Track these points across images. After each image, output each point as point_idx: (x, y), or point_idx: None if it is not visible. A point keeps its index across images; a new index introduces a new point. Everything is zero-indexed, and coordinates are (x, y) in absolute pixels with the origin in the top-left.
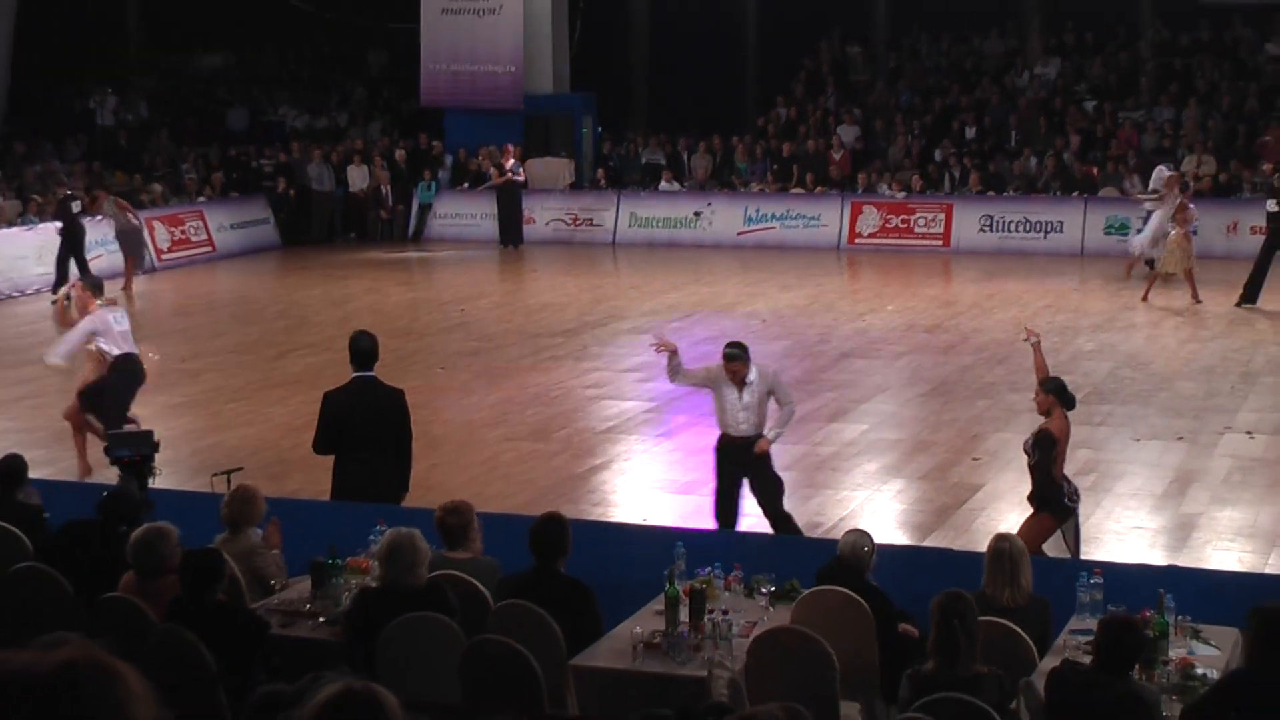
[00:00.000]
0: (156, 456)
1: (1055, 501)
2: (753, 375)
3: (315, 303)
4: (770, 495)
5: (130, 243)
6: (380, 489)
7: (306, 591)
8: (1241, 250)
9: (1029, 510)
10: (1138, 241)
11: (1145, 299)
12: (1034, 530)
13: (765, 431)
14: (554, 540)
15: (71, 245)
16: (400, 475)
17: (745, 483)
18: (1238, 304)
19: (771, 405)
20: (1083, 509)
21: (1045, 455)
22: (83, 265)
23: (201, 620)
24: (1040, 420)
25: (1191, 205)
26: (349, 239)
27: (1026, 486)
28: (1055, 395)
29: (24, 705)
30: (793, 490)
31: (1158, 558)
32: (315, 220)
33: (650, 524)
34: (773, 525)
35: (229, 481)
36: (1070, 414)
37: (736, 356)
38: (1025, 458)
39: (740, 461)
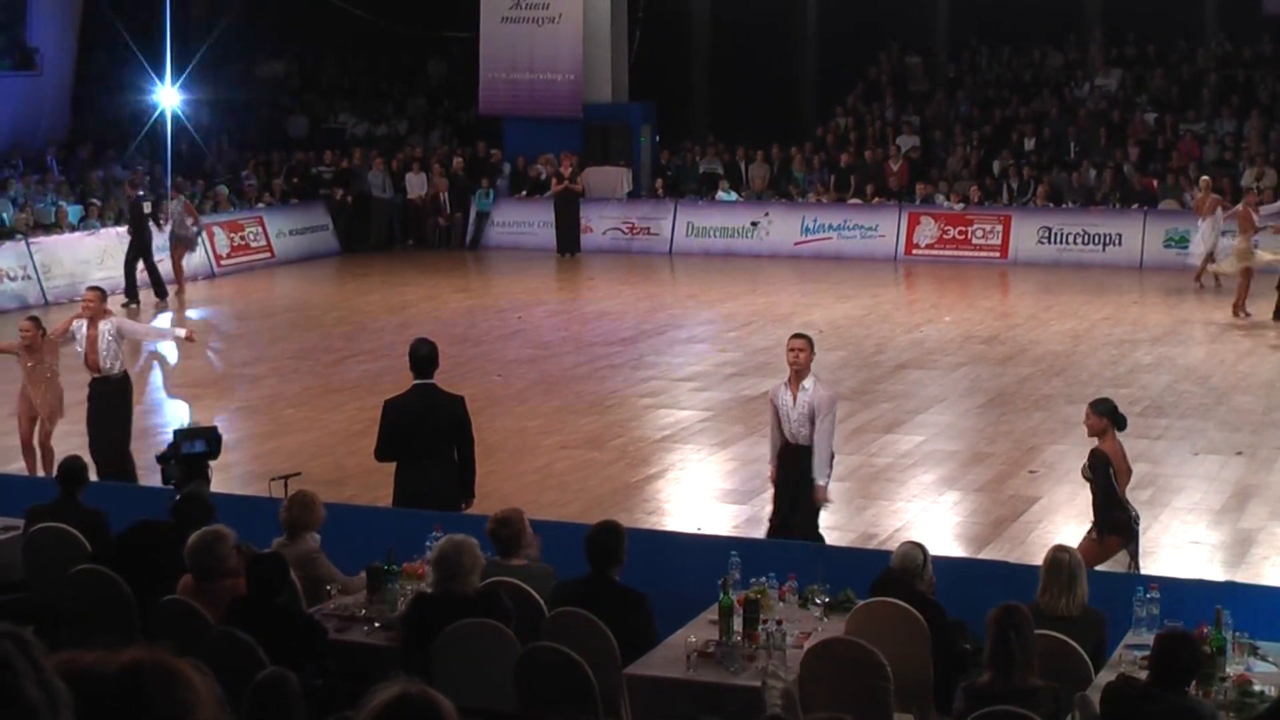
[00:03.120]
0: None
1: (1121, 524)
2: (810, 381)
3: (373, 309)
4: (806, 516)
5: (187, 246)
6: (441, 496)
7: (363, 597)
8: None
9: (1086, 523)
10: (1195, 252)
11: (1237, 309)
12: (1096, 553)
13: (815, 477)
14: (609, 548)
15: (140, 248)
16: (463, 482)
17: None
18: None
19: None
20: (1142, 522)
21: (1102, 476)
22: (151, 269)
23: (260, 623)
24: (1091, 443)
25: (1256, 212)
26: (407, 246)
27: (1084, 499)
28: (1108, 417)
29: (91, 706)
30: (847, 501)
31: (1216, 573)
32: (374, 227)
33: (705, 533)
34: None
35: (286, 486)
36: (1129, 427)
37: (802, 336)
38: (1087, 484)
39: (796, 471)
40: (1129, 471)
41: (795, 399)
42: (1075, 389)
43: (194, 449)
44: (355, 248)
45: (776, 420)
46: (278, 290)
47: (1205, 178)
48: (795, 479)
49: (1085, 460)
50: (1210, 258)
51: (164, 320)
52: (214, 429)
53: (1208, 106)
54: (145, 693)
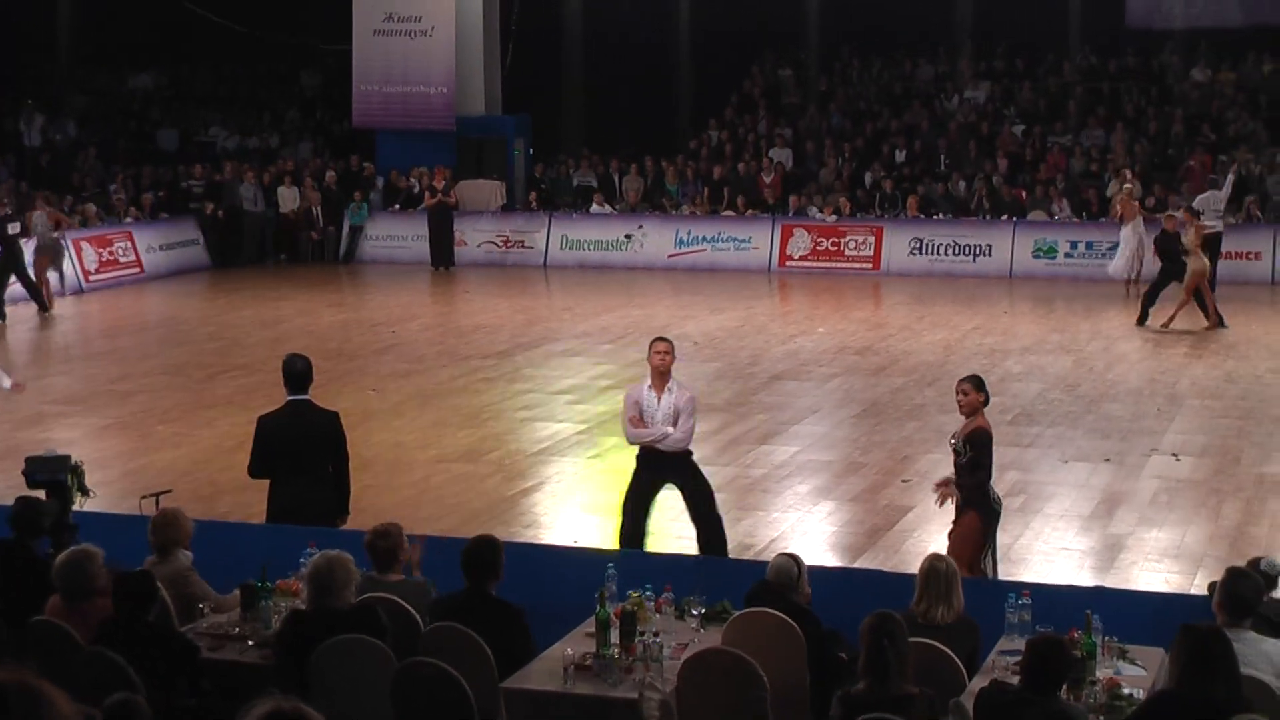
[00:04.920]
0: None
1: (982, 501)
2: (674, 384)
3: (246, 324)
4: (705, 499)
5: (52, 256)
6: (316, 512)
7: (237, 614)
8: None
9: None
10: (1114, 266)
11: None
12: (965, 533)
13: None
14: (486, 562)
15: (10, 263)
16: (339, 498)
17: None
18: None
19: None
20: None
21: (985, 454)
22: (27, 284)
23: (131, 643)
24: (963, 420)
25: (1197, 223)
26: (280, 260)
27: (953, 507)
28: (984, 392)
29: None
30: (724, 512)
31: (1085, 578)
32: (246, 241)
33: (581, 546)
34: (703, 535)
35: (157, 504)
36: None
37: (667, 340)
38: (953, 457)
39: (663, 470)
40: None
41: (660, 399)
42: (948, 399)
43: (36, 480)
44: (227, 263)
45: (636, 420)
46: (148, 306)
47: (1127, 184)
48: (653, 480)
49: (961, 433)
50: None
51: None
52: (66, 457)
53: (1074, 119)
54: (9, 713)
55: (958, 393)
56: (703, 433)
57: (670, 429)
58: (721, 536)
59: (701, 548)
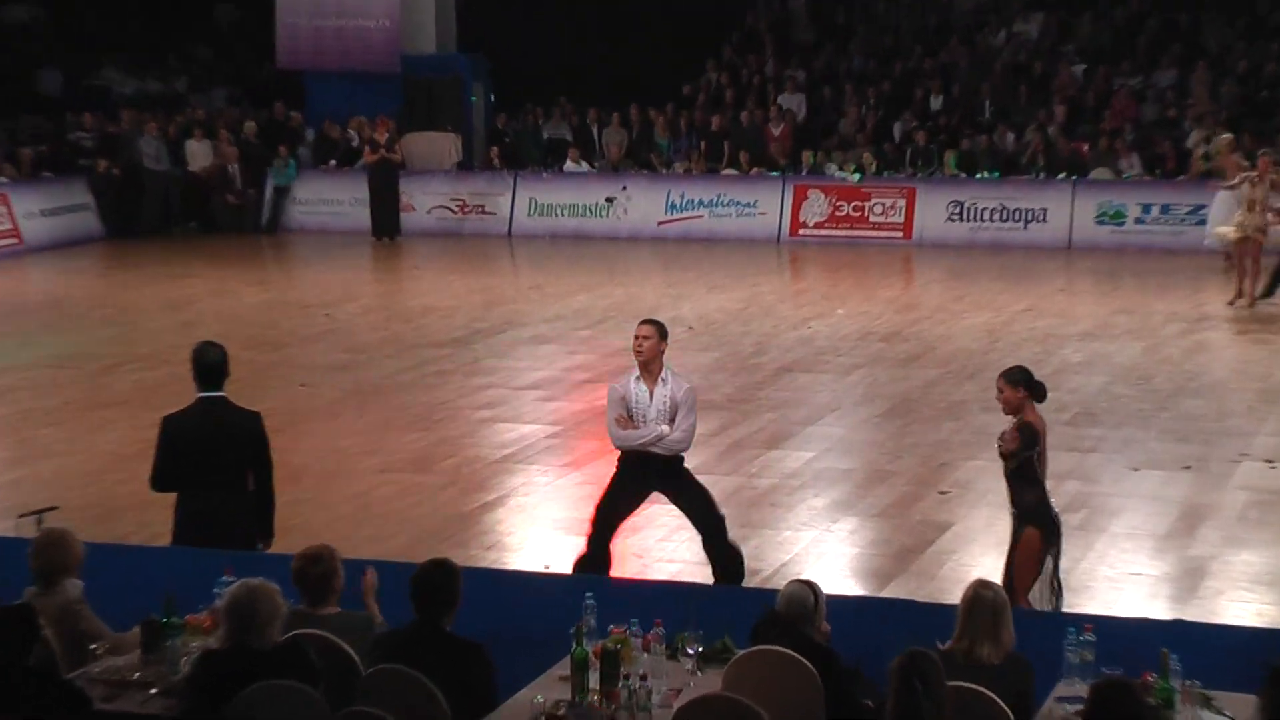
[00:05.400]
0: None
1: (1040, 513)
2: (667, 374)
3: (149, 306)
4: (705, 506)
5: None
6: (233, 532)
7: (137, 656)
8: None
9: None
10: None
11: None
12: (1024, 553)
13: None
14: (439, 590)
15: None
16: (260, 515)
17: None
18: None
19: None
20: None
21: (1028, 449)
22: None
23: (7, 693)
24: (1009, 422)
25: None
26: (189, 229)
27: (1004, 524)
28: (1025, 387)
29: None
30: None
31: (1160, 610)
32: (148, 206)
33: (554, 572)
34: (713, 549)
35: (40, 523)
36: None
37: (651, 322)
38: (1001, 464)
39: (649, 477)
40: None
41: (652, 393)
42: (992, 394)
43: None
44: (125, 231)
45: (623, 420)
46: (28, 284)
47: (1226, 135)
48: (638, 489)
49: (1008, 431)
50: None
51: None
52: None
53: (1145, 56)
54: None
55: (997, 390)
56: (699, 435)
57: (665, 428)
58: (735, 554)
59: (717, 571)
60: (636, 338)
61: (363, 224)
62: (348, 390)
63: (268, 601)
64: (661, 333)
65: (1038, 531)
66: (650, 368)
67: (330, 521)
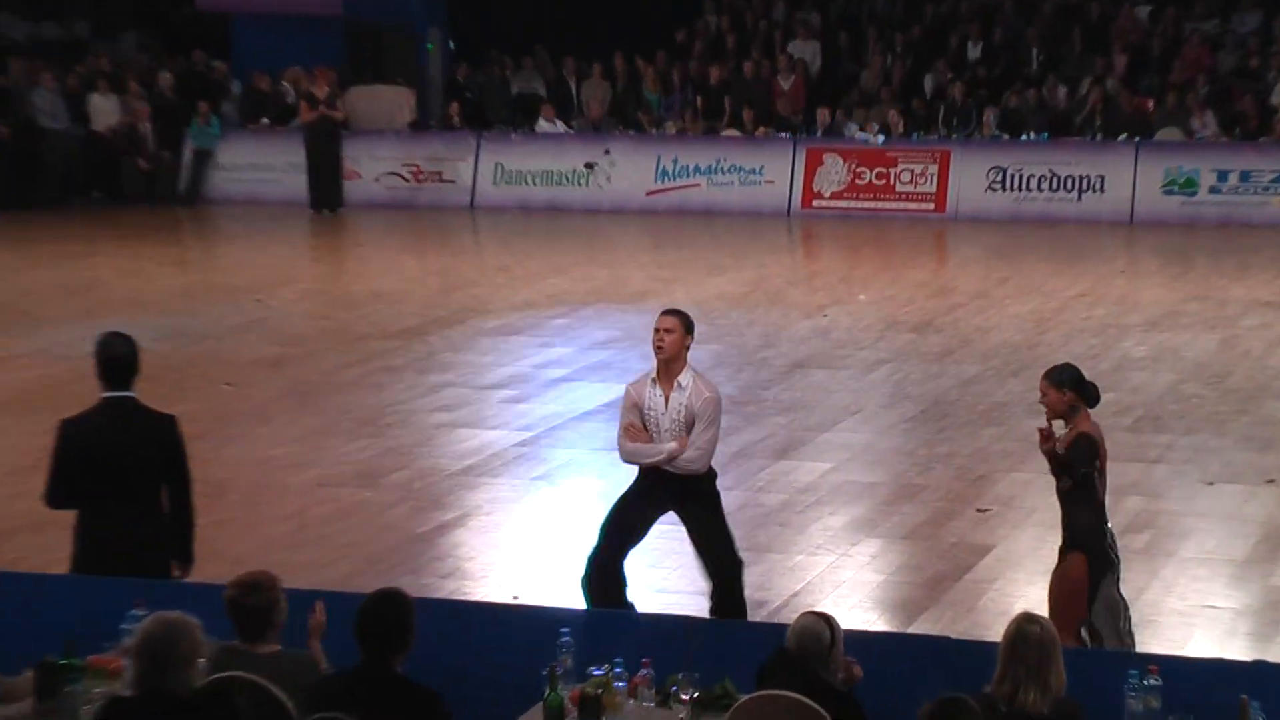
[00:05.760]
0: None
1: (1092, 538)
2: (688, 376)
3: (44, 290)
4: (720, 544)
5: None
6: (144, 556)
7: (30, 705)
8: None
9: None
10: None
11: None
12: (1066, 583)
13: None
14: (389, 627)
15: None
16: (177, 536)
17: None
18: None
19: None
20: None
21: (1086, 464)
22: None
23: None
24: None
25: None
26: (92, 199)
27: (1051, 547)
28: (1073, 389)
29: None
30: None
31: (1239, 649)
32: (44, 172)
33: (524, 603)
34: (719, 601)
35: None
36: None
37: (674, 313)
38: (1054, 482)
39: (663, 494)
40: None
41: (668, 400)
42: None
43: None
44: (17, 202)
45: (633, 430)
46: None
47: None
48: (651, 503)
49: (1061, 442)
50: None
51: None
52: None
53: None
54: None
55: (1040, 393)
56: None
57: (674, 445)
58: (738, 595)
59: (713, 606)
60: (657, 331)
61: (299, 194)
62: (281, 390)
63: (186, 639)
64: (687, 325)
65: (1083, 557)
66: (671, 368)
67: (260, 545)
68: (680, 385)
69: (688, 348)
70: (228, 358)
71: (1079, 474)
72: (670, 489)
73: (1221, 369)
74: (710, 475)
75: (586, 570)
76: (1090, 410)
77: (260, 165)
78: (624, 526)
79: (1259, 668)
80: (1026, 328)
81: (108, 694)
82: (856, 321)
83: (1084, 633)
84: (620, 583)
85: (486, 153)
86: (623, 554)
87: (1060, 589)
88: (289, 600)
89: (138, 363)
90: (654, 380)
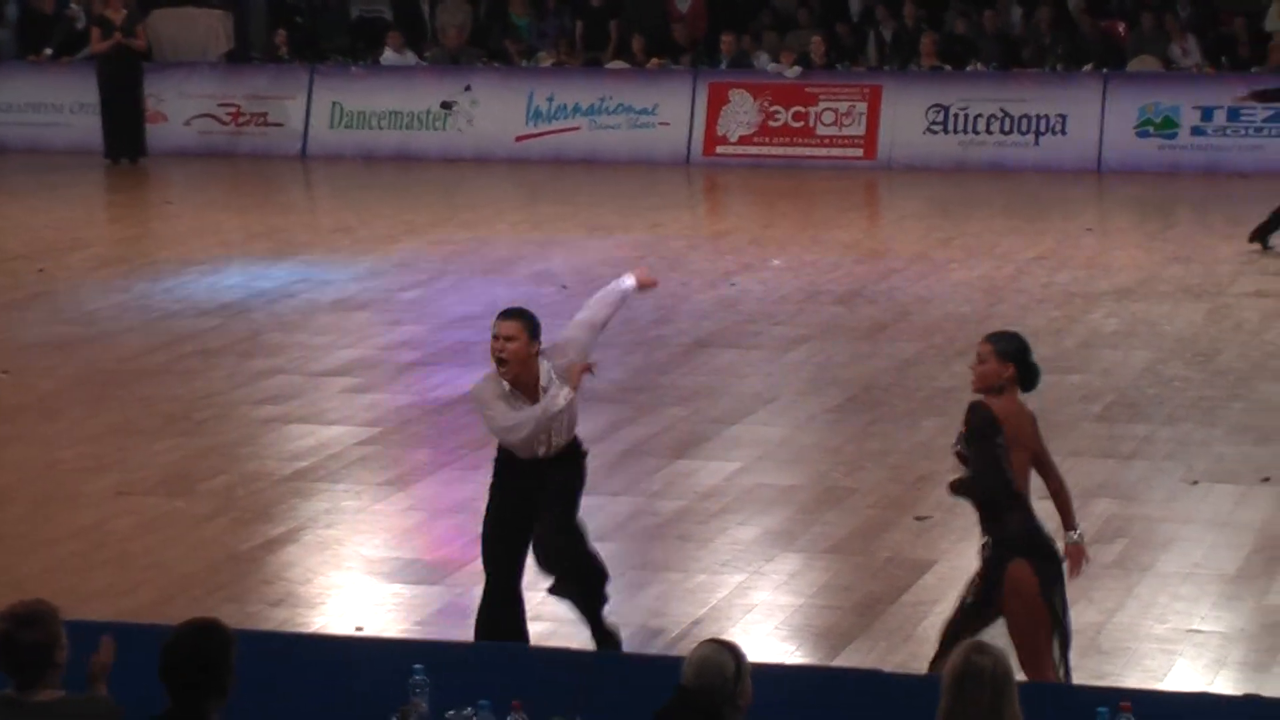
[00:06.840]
0: None
1: (1023, 536)
2: (545, 370)
3: None
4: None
5: None
6: None
7: None
8: None
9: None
10: None
11: None
12: (1020, 602)
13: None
14: (205, 665)
15: None
16: None
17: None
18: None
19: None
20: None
21: (986, 447)
22: None
23: None
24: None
25: None
26: None
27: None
28: (1014, 362)
29: None
30: (617, 574)
31: (1228, 681)
32: None
33: (369, 635)
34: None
35: None
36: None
37: (515, 315)
38: (961, 466)
39: (536, 486)
40: (1032, 455)
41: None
42: None
43: None
44: None
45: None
46: None
47: None
48: (525, 502)
49: (963, 425)
50: None
51: None
52: None
53: None
54: None
55: (977, 357)
56: (582, 438)
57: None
58: (585, 565)
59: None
60: (496, 339)
61: (92, 140)
62: (71, 379)
63: None
64: (532, 330)
65: (1029, 564)
66: (523, 379)
67: (45, 567)
68: (544, 388)
69: (535, 355)
70: (3, 340)
71: (970, 452)
72: (535, 476)
73: (1209, 345)
74: (578, 448)
75: (482, 614)
76: (1022, 394)
77: (42, 105)
78: (508, 543)
79: (1252, 703)
80: (975, 298)
81: None
82: (770, 292)
83: (1056, 647)
84: (521, 609)
85: (321, 89)
86: (518, 577)
87: (1015, 607)
88: (74, 635)
89: None
90: (510, 393)
